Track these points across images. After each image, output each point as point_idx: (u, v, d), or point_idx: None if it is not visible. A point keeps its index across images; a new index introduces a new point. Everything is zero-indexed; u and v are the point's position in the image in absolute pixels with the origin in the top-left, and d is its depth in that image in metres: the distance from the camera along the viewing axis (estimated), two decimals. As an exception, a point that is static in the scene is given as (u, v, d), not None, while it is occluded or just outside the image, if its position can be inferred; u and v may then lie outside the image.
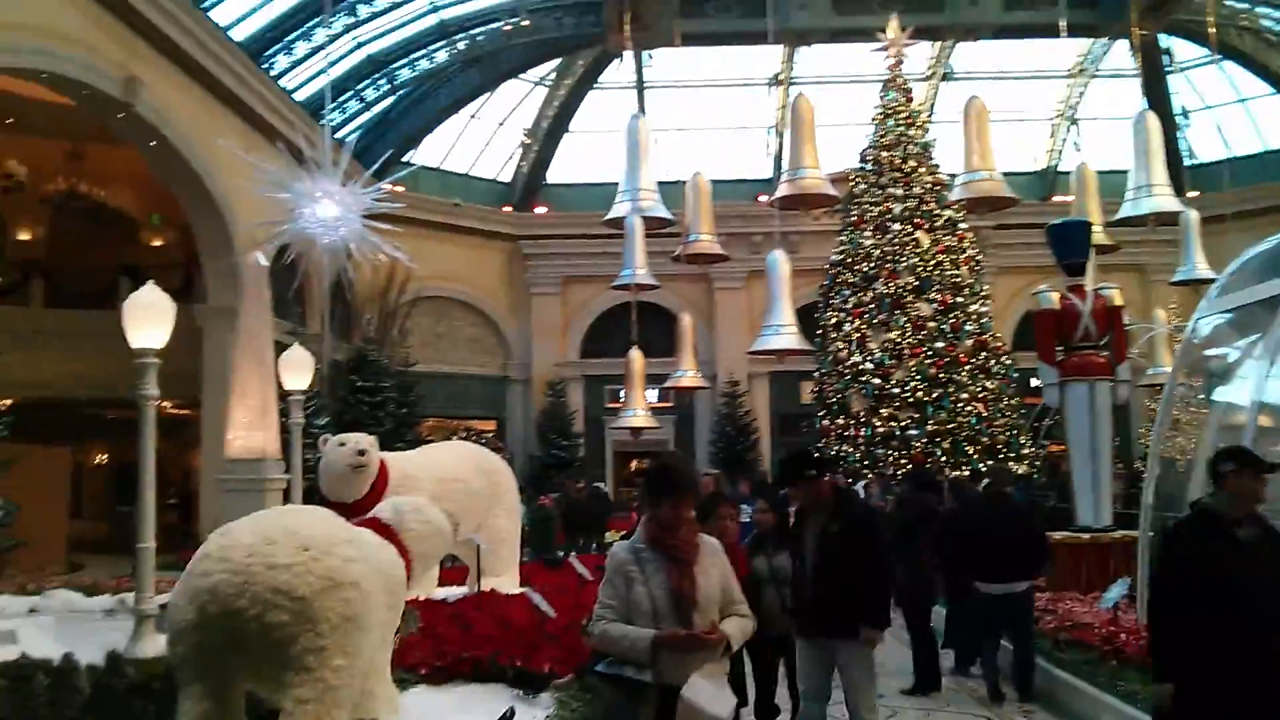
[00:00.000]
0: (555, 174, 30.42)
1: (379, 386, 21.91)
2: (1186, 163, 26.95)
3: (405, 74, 25.58)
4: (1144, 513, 8.84)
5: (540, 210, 29.81)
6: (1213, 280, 11.62)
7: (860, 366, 18.95)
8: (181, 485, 25.14)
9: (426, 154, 28.04)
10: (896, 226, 19.58)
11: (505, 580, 10.14)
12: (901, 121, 20.54)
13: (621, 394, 23.60)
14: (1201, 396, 9.98)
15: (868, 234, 19.81)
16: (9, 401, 18.52)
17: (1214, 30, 21.91)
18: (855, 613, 5.63)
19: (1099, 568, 10.16)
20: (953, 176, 20.03)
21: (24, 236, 23.53)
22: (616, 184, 20.01)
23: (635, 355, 21.87)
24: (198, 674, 4.80)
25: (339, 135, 23.56)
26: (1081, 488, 10.80)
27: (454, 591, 10.12)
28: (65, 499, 19.21)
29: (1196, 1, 22.75)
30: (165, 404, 11.87)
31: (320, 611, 4.68)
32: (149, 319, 6.75)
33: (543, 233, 29.40)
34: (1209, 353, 9.87)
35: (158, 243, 24.77)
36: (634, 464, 29.01)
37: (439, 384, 26.76)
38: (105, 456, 26.92)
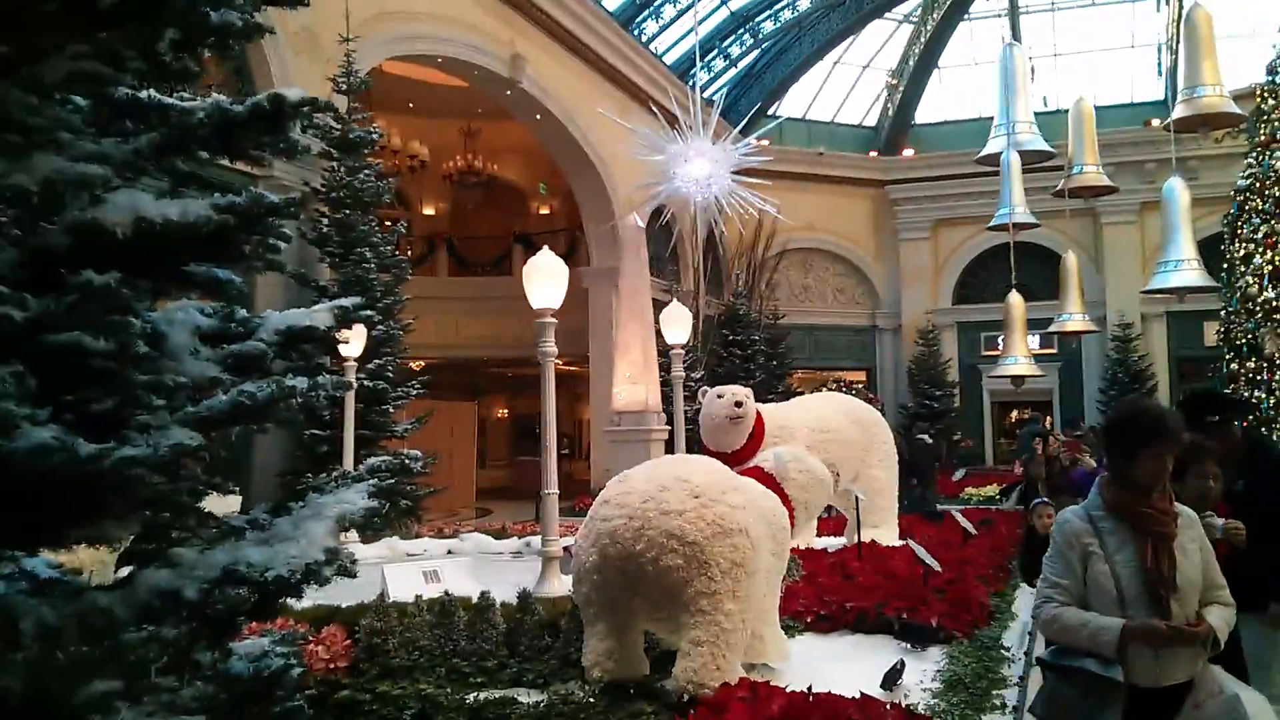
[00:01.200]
0: (924, 114, 29.56)
1: (749, 339, 22.37)
2: None
3: (768, 26, 25.70)
4: None
5: (908, 153, 29.06)
6: None
7: (1274, 303, 17.06)
8: (573, 436, 26.91)
9: (791, 105, 28.12)
10: (1326, 142, 17.41)
11: (884, 531, 10.09)
12: (1323, 25, 18.17)
13: (1000, 341, 22.65)
14: None
15: (1279, 154, 17.74)
16: (423, 362, 20.58)
17: None
18: (1267, 585, 4.66)
19: None
20: (1390, 81, 17.53)
21: (429, 211, 25.90)
22: (990, 119, 19.14)
23: (1015, 299, 20.81)
24: (600, 612, 5.15)
25: (707, 94, 24.12)
26: None
27: (833, 542, 10.18)
28: (474, 450, 21.08)
29: None
30: (558, 361, 12.69)
31: (712, 556, 4.87)
32: (546, 280, 7.22)
33: (911, 176, 28.67)
34: None
35: (545, 211, 26.48)
36: (1014, 415, 27.84)
37: (807, 335, 26.92)
38: (505, 411, 29.28)
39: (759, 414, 9.49)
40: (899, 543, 9.39)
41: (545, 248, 7.51)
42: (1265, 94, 18.56)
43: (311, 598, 3.85)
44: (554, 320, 7.26)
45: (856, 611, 6.64)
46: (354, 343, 10.47)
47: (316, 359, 3.56)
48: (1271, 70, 18.69)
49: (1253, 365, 17.36)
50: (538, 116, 18.80)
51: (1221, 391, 15.04)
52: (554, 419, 7.42)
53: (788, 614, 6.45)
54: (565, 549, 6.92)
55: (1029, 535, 9.16)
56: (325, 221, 12.62)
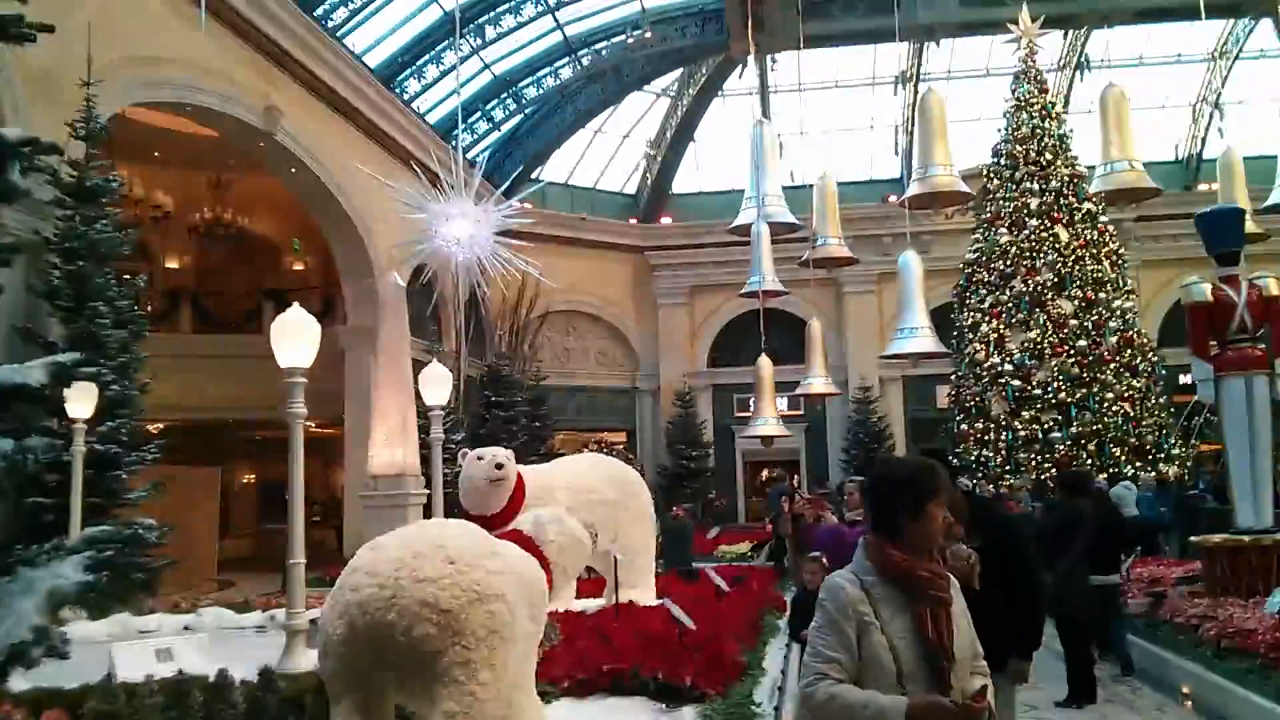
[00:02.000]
0: (680, 184, 30.55)
1: (512, 401, 22.28)
2: (1343, 145, 25.56)
3: (531, 92, 26.00)
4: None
5: (666, 221, 29.92)
6: (1378, 266, 10.95)
7: (999, 368, 18.46)
8: (326, 503, 25.91)
9: (554, 170, 28.46)
10: (1033, 222, 19.04)
11: (641, 592, 10.14)
12: (1036, 114, 19.99)
13: (751, 402, 23.46)
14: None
15: (1003, 231, 19.32)
16: (162, 424, 19.38)
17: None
18: (1001, 642, 4.45)
19: (1261, 571, 9.63)
20: (1091, 168, 19.35)
21: (173, 265, 24.62)
22: (742, 191, 19.95)
23: (764, 363, 21.70)
24: (348, 687, 4.90)
25: (469, 155, 24.09)
26: (1241, 488, 10.25)
27: (592, 603, 10.16)
28: (215, 518, 19.97)
29: (1350, -27, 21.60)
30: (310, 423, 12.20)
31: (467, 624, 4.72)
32: (296, 338, 6.94)
33: (669, 243, 29.51)
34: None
35: (299, 267, 25.64)
36: (765, 473, 28.82)
37: (569, 397, 27.10)
38: (252, 476, 27.94)
39: (520, 476, 9.40)
40: (656, 602, 9.46)
41: (296, 303, 7.23)
42: (991, 175, 20.19)
43: (32, 679, 3.49)
44: (304, 380, 6.98)
45: (613, 674, 6.61)
46: (81, 403, 9.73)
47: (36, 420, 3.26)
48: (996, 153, 20.37)
49: (980, 426, 18.66)
50: (293, 170, 18.26)
51: (944, 450, 16.01)
52: (302, 483, 7.10)
53: (545, 679, 6.34)
54: (313, 621, 6.60)
55: (800, 593, 9.02)
56: (56, 273, 11.75)
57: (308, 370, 7.03)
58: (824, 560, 7.54)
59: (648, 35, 25.10)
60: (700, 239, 28.34)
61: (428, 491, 11.86)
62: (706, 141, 29.66)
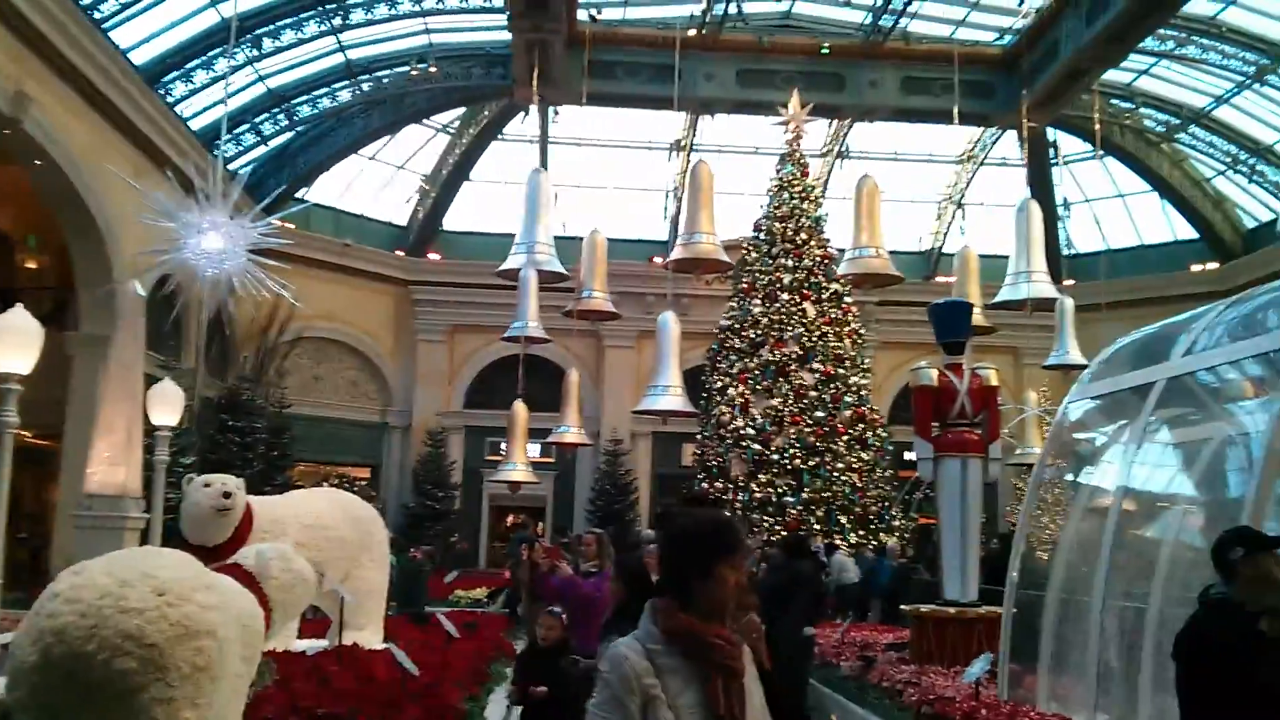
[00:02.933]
0: (451, 221, 30.31)
1: (251, 427, 21.33)
2: (1065, 252, 28.16)
3: (305, 110, 25.29)
4: (1009, 590, 9.03)
5: (434, 257, 29.59)
6: (1084, 366, 12.04)
7: (742, 431, 19.12)
8: (37, 519, 23.97)
9: (321, 192, 27.67)
10: (785, 296, 19.93)
11: (369, 634, 9.86)
12: (796, 195, 20.99)
13: (503, 447, 23.39)
14: (1069, 478, 10.29)
15: (757, 302, 20.11)
16: None
17: (1099, 127, 23.01)
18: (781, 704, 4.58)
19: (963, 642, 10.32)
20: (841, 251, 20.53)
21: (-116, 248, 22.39)
22: (513, 235, 20.01)
23: (519, 408, 21.73)
24: (38, 719, 4.54)
25: (232, 167, 23.12)
26: (950, 562, 11.01)
27: (315, 644, 9.80)
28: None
29: (1084, 99, 23.89)
30: (25, 433, 11.30)
31: (171, 660, 4.45)
32: (15, 343, 6.45)
33: (434, 279, 29.19)
34: (1077, 436, 10.21)
35: (32, 265, 23.82)
36: (510, 519, 28.72)
37: (314, 427, 26.16)
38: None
39: (249, 507, 9.00)
40: (383, 646, 9.23)
41: (19, 305, 6.73)
42: (750, 248, 21.04)
43: None
44: (18, 388, 6.48)
45: (328, 717, 6.40)
46: None
47: None
48: (757, 228, 21.26)
49: (720, 485, 19.25)
50: (38, 162, 17.02)
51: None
52: (6, 497, 6.57)
53: (255, 721, 6.07)
54: (4, 646, 6.07)
55: (530, 645, 8.40)
56: None
57: (28, 375, 6.54)
58: (562, 617, 7.43)
59: (433, 70, 24.93)
60: (467, 278, 28.18)
61: (147, 515, 11.19)
62: (482, 182, 29.64)
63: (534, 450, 24.51)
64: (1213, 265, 27.85)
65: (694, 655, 2.76)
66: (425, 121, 27.95)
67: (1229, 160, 26.93)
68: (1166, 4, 20.29)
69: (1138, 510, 8.49)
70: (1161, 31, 22.80)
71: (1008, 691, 8.73)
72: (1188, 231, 29.06)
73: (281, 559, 6.33)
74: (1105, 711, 7.71)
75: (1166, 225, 29.45)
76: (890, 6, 23.44)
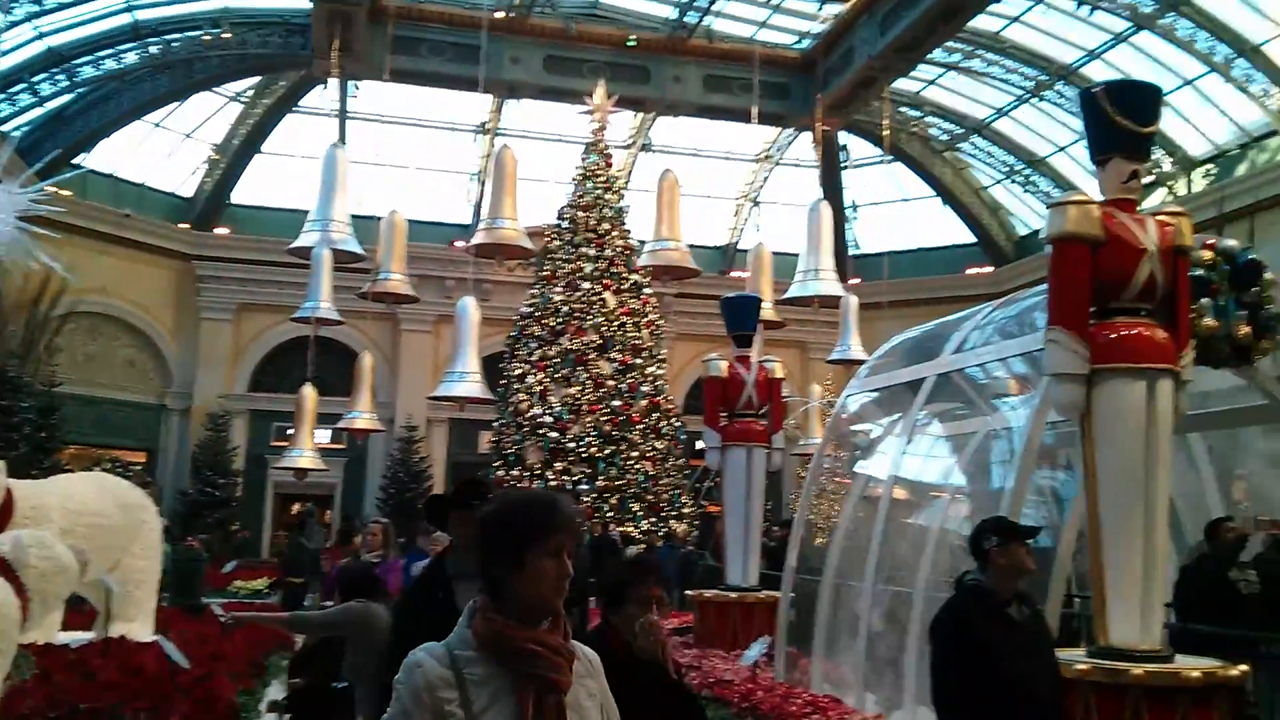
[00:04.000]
0: (241, 195, 29.09)
1: (17, 406, 19.91)
2: (851, 252, 29.34)
3: (88, 71, 23.82)
4: (786, 574, 9.34)
5: (221, 231, 28.33)
6: (864, 361, 12.57)
7: (540, 419, 19.10)
8: None
9: (101, 159, 26.07)
10: (586, 285, 20.00)
11: (138, 626, 9.38)
12: (600, 185, 21.08)
13: (290, 432, 22.66)
14: (846, 468, 10.72)
15: (558, 290, 20.11)
16: None
17: (887, 134, 24.04)
18: None
19: (744, 626, 10.63)
20: (642, 243, 20.77)
21: None
22: (307, 212, 19.40)
23: (308, 392, 21.09)
24: None
25: (3, 128, 21.55)
26: (733, 548, 11.32)
27: (80, 636, 9.25)
28: None
29: (874, 105, 24.90)
30: None
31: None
32: None
33: (221, 255, 27.92)
34: (855, 428, 10.64)
35: None
36: (296, 507, 27.82)
37: (86, 408, 24.63)
38: None
39: (10, 491, 8.41)
40: (152, 638, 8.79)
41: None
42: (553, 235, 21.02)
43: None
44: None
45: (92, 713, 6.06)
46: None
47: None
48: (560, 216, 21.25)
49: (516, 474, 19.19)
50: None
51: (488, 479, 16.33)
52: None
53: (13, 717, 5.71)
54: None
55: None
56: None
57: None
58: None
59: (227, 35, 23.86)
60: (256, 255, 27.10)
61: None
62: (276, 155, 28.54)
63: (323, 436, 23.85)
64: (988, 269, 29.53)
65: (508, 663, 2.33)
66: (217, 89, 26.72)
67: (1006, 170, 28.61)
68: (955, 18, 21.36)
69: (907, 499, 8.94)
70: (949, 44, 24.00)
71: (784, 674, 9.03)
72: (966, 236, 30.73)
73: (40, 546, 5.97)
74: (874, 692, 8.07)
75: (947, 229, 31.05)
76: (695, 4, 23.85)
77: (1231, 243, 7.40)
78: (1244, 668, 5.80)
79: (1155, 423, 5.72)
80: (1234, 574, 7.26)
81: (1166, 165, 24.39)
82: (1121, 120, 5.89)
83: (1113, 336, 5.75)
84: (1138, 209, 6.13)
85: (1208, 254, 6.96)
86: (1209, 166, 23.91)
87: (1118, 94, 6.06)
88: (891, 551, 8.38)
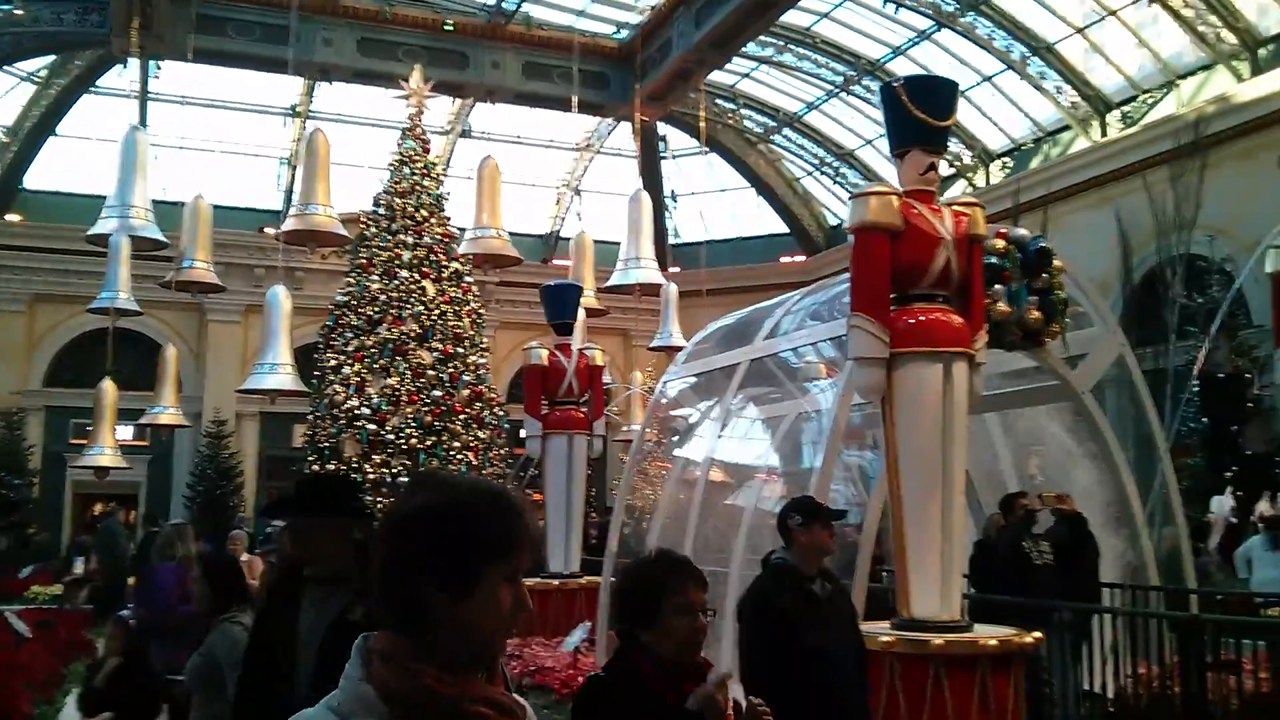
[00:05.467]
0: (34, 180, 27.38)
1: None
2: (671, 241, 29.73)
3: None
4: (607, 559, 9.41)
5: (13, 218, 26.61)
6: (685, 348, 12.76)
7: (356, 411, 18.64)
8: None
9: None
10: (404, 273, 19.60)
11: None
12: (417, 171, 20.67)
13: (90, 429, 21.49)
14: (665, 452, 10.88)
15: (375, 278, 19.64)
16: None
17: (703, 125, 24.41)
18: None
19: (566, 613, 10.66)
20: (462, 230, 20.50)
21: None
22: (104, 197, 18.42)
23: (107, 387, 20.03)
24: None
25: None
26: (555, 536, 11.34)
27: None
28: None
29: (691, 97, 25.25)
30: None
31: None
32: None
33: (12, 243, 26.23)
34: (674, 413, 10.81)
35: None
36: (97, 507, 26.44)
37: None
38: None
39: None
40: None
41: None
42: (369, 222, 20.52)
43: None
44: None
45: None
46: None
47: None
48: (376, 202, 20.76)
49: (332, 467, 18.70)
50: None
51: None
52: None
53: None
54: None
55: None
56: None
57: None
58: (130, 622, 6.59)
59: (18, 13, 22.39)
60: (51, 242, 25.57)
61: None
62: (71, 138, 26.98)
63: (126, 433, 22.71)
64: (801, 257, 30.39)
65: None
66: (7, 68, 25.06)
67: (817, 162, 29.49)
68: (767, 12, 21.85)
69: (724, 481, 9.13)
70: (763, 38, 24.54)
71: (605, 658, 9.09)
72: (780, 226, 31.54)
73: None
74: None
75: (762, 220, 31.80)
76: (513, -11, 23.71)
77: (1023, 232, 7.83)
78: (1037, 635, 6.15)
79: (952, 404, 5.99)
80: (1027, 546, 7.69)
81: (966, 158, 25.62)
82: (919, 114, 6.12)
83: (911, 322, 5.98)
84: (937, 200, 6.39)
85: (1000, 243, 7.35)
86: (1006, 160, 25.22)
87: (916, 89, 6.31)
88: (709, 532, 8.55)
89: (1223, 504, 14.06)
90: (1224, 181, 17.95)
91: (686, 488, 9.28)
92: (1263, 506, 12.57)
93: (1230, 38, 19.57)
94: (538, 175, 30.48)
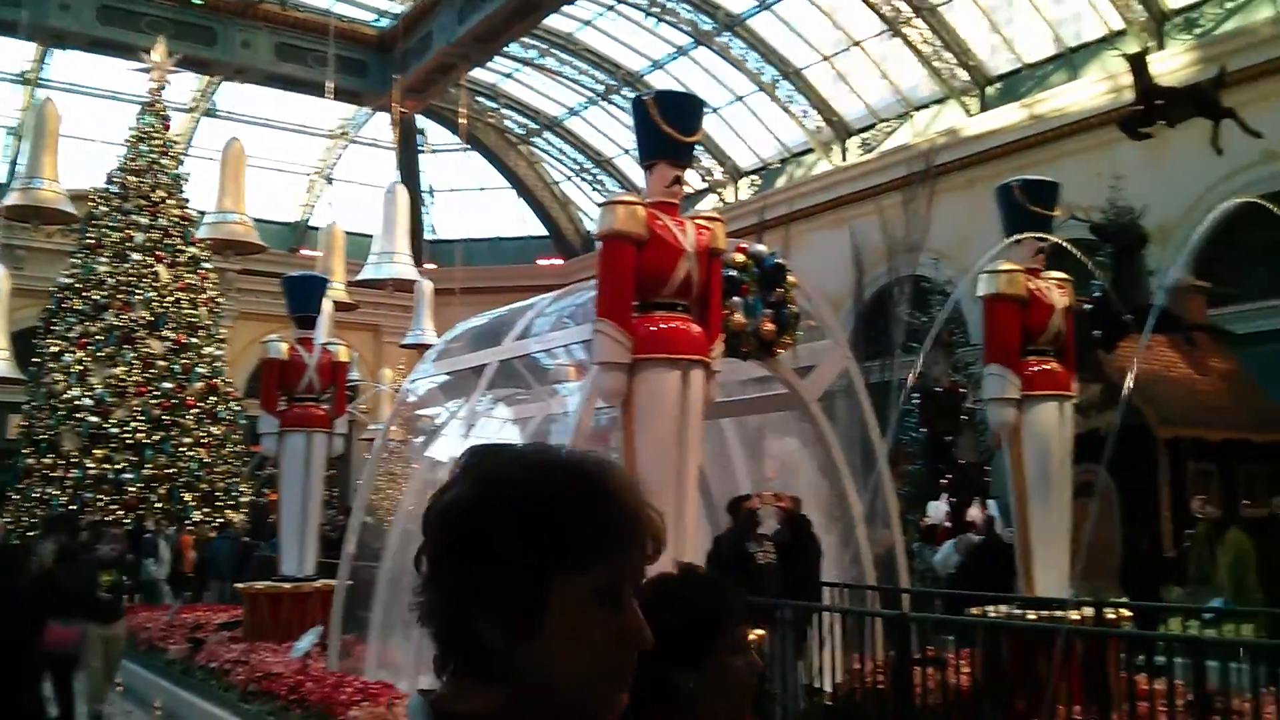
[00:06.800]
0: None
1: None
2: (427, 236, 29.30)
3: None
4: (344, 562, 9.19)
5: None
6: (437, 346, 12.60)
7: (78, 402, 17.48)
8: None
9: None
10: (136, 256, 18.55)
11: None
12: (155, 148, 19.62)
13: None
14: (412, 453, 10.72)
15: (104, 260, 18.50)
16: None
17: (464, 122, 24.20)
18: None
19: (298, 617, 10.33)
20: (202, 214, 19.54)
21: None
22: None
23: None
24: None
25: None
26: (289, 538, 10.95)
27: None
28: None
29: (452, 92, 24.98)
30: None
31: None
32: None
33: None
34: (422, 412, 10.66)
35: None
36: None
37: None
38: None
39: None
40: None
41: None
42: (100, 200, 19.26)
43: None
44: None
45: None
46: None
47: None
48: (110, 179, 19.53)
49: (49, 461, 17.45)
50: None
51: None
52: None
53: None
54: None
55: None
56: None
57: None
58: None
59: None
60: None
61: None
62: None
63: None
64: (558, 261, 30.63)
65: None
66: None
67: (576, 167, 29.81)
68: (531, 14, 21.91)
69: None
70: (526, 40, 24.58)
71: (337, 662, 8.88)
72: (539, 228, 31.70)
73: None
74: (429, 675, 8.12)
75: (521, 221, 31.87)
76: (268, -34, 22.81)
77: (761, 248, 8.17)
78: (760, 631, 6.42)
79: (688, 409, 6.18)
80: (752, 546, 8.00)
81: (718, 173, 26.50)
82: (667, 128, 6.29)
83: (652, 329, 6.13)
84: (681, 212, 6.58)
85: (740, 257, 7.64)
86: (754, 177, 26.25)
87: (665, 104, 6.47)
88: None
89: (938, 509, 15.09)
90: (950, 209, 19.35)
91: (431, 489, 9.17)
92: (974, 512, 13.57)
93: (963, 74, 21.10)
94: (288, 160, 29.41)
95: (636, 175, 27.10)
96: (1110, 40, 18.69)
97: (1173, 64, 16.69)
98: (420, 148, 29.59)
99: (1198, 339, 13.38)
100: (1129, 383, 8.00)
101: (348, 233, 20.89)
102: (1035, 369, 7.35)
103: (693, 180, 25.98)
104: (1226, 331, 14.36)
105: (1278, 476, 13.22)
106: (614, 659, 1.09)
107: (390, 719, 7.23)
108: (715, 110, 24.32)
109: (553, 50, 25.76)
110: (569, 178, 30.51)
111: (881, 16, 20.93)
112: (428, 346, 19.32)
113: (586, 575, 1.08)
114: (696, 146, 8.58)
